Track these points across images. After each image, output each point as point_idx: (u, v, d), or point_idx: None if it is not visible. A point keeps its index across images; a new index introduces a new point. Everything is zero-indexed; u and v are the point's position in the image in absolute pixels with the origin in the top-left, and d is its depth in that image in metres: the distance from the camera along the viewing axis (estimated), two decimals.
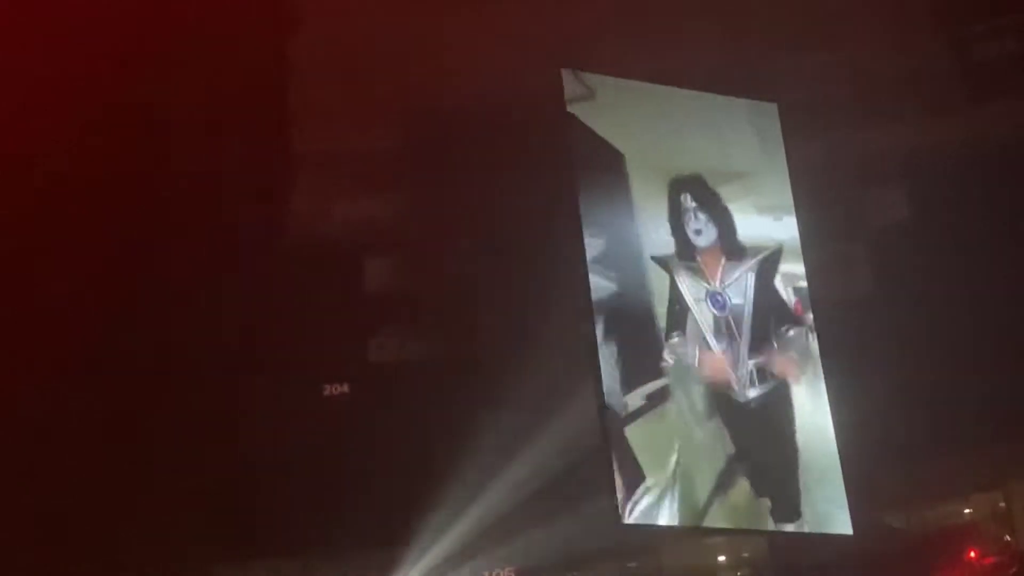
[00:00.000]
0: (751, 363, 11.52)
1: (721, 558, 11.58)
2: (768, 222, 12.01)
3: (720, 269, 11.74)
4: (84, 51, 10.33)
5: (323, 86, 11.81)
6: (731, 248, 11.83)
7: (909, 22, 12.51)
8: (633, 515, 10.57)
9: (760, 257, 11.88)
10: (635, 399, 10.87)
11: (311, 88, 11.83)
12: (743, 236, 11.89)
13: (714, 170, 11.94)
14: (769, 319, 11.75)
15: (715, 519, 10.90)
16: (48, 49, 10.21)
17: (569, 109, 11.33)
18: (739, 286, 11.79)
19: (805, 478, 11.30)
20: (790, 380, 11.62)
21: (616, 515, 10.50)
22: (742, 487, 11.03)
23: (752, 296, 11.76)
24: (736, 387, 11.44)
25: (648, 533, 10.91)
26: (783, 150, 12.14)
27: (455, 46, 11.82)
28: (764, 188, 12.09)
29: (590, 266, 11.03)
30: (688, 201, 11.78)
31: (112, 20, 10.44)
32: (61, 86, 10.37)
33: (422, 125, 12.02)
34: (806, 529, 11.23)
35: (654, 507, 10.65)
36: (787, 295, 11.90)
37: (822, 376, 11.65)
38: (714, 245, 11.78)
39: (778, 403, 11.51)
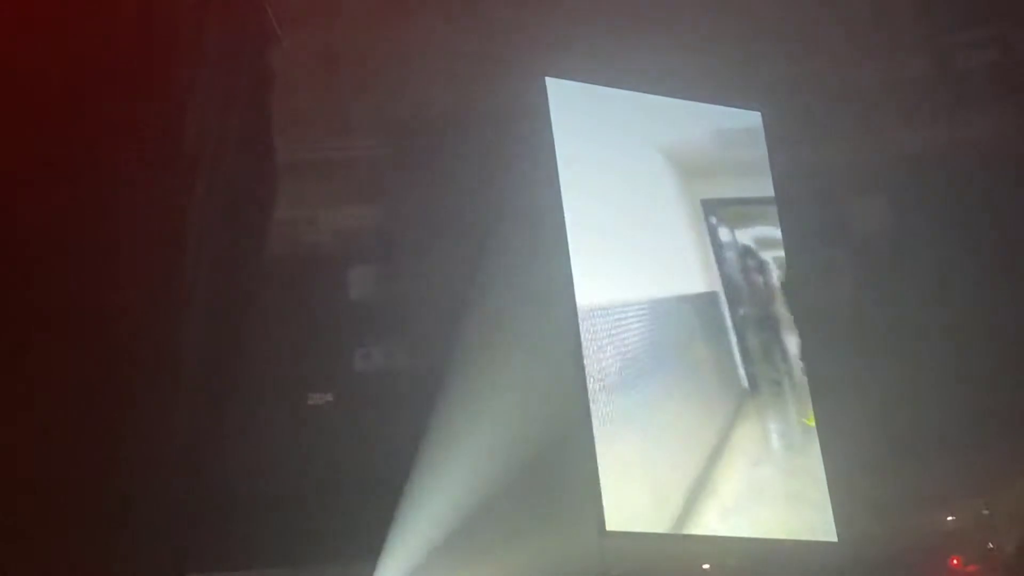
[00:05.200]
0: None
1: (705, 566, 11.58)
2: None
3: None
4: (79, 56, 10.23)
5: (306, 94, 11.78)
6: None
7: (891, 31, 12.57)
8: (617, 522, 10.61)
9: None
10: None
11: (295, 96, 11.79)
12: None
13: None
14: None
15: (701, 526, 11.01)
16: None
17: (553, 117, 11.41)
18: None
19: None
20: None
21: (600, 522, 10.53)
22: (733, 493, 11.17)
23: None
24: None
25: (631, 540, 10.91)
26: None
27: (437, 53, 11.82)
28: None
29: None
30: None
31: (101, 22, 10.35)
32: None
33: (407, 134, 12.04)
34: (790, 536, 11.34)
35: (638, 514, 10.71)
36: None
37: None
38: None
39: None
